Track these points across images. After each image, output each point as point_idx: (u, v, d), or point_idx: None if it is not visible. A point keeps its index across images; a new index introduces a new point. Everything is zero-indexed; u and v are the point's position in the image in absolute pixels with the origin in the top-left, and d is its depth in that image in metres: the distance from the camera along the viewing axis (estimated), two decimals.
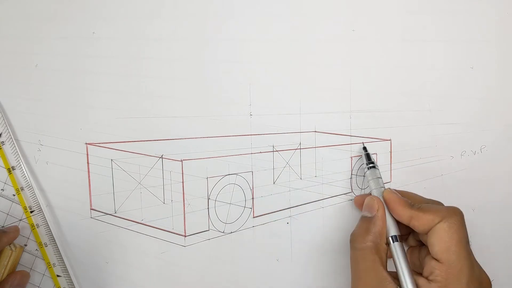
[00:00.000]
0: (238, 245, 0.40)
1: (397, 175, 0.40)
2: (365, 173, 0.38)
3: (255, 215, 0.40)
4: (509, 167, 0.40)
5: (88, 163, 0.38)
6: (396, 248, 0.33)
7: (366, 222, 0.34)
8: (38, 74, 0.37)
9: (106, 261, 0.40)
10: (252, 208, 0.39)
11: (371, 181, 0.37)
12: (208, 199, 0.39)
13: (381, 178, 0.37)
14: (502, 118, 0.40)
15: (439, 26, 0.39)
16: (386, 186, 0.40)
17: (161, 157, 0.38)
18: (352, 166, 0.40)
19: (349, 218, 0.40)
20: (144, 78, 0.38)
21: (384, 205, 0.35)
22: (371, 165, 0.38)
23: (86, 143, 0.38)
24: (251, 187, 0.39)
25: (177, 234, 0.39)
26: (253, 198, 0.39)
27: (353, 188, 0.40)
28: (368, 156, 0.38)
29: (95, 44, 0.37)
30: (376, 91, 0.39)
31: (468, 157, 0.40)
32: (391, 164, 0.40)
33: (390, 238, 0.34)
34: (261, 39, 0.38)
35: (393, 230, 0.34)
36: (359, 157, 0.40)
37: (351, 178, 0.40)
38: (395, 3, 0.38)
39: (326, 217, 0.40)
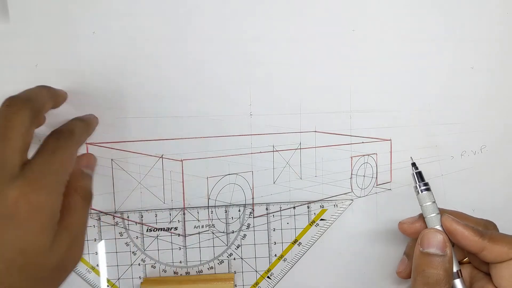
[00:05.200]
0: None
1: (397, 175, 0.40)
2: (417, 196, 0.34)
3: (255, 215, 0.40)
4: (509, 167, 0.40)
5: None
6: (459, 284, 0.32)
7: (440, 262, 0.31)
8: (38, 74, 0.37)
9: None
10: (252, 208, 0.39)
11: (428, 207, 0.33)
12: (208, 199, 0.39)
13: (435, 201, 0.33)
14: (502, 118, 0.40)
15: (439, 26, 0.39)
16: (386, 186, 0.40)
17: (161, 157, 0.38)
18: (352, 166, 0.40)
19: (349, 218, 0.40)
20: (144, 78, 0.38)
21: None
22: (425, 186, 0.33)
23: (86, 143, 0.38)
24: (251, 187, 0.39)
25: (177, 234, 0.39)
26: (253, 198, 0.39)
27: (353, 188, 0.40)
28: (420, 176, 0.34)
29: (95, 44, 0.37)
30: (376, 91, 0.39)
31: (468, 157, 0.40)
32: (391, 164, 0.40)
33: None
34: (261, 39, 0.38)
35: (456, 265, 0.32)
36: (359, 157, 0.40)
37: (351, 178, 0.40)
38: (395, 3, 0.38)
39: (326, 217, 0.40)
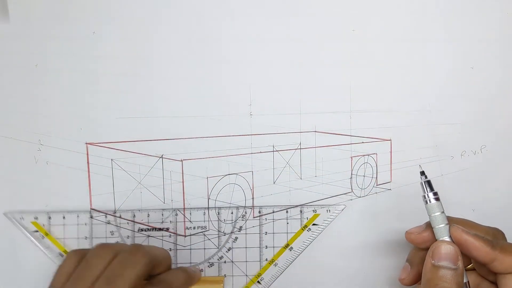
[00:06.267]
0: (238, 245, 0.40)
1: (397, 175, 0.40)
2: (425, 206, 0.32)
3: (254, 215, 0.40)
4: (509, 167, 0.40)
5: (88, 163, 0.38)
6: None
7: (452, 276, 0.30)
8: (38, 74, 0.37)
9: None
10: (252, 208, 0.39)
11: (437, 217, 0.32)
12: (208, 199, 0.39)
13: (444, 211, 0.32)
14: (502, 118, 0.40)
15: (439, 26, 0.39)
16: (386, 186, 0.40)
17: (161, 157, 0.38)
18: (352, 166, 0.40)
19: (350, 218, 0.40)
20: (144, 78, 0.38)
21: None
22: (435, 196, 0.32)
23: (86, 143, 0.38)
24: (251, 187, 0.39)
25: (177, 234, 0.39)
26: (253, 198, 0.39)
27: (353, 188, 0.40)
28: (429, 185, 0.32)
29: (95, 44, 0.37)
30: (376, 91, 0.39)
31: (468, 157, 0.40)
32: (391, 164, 0.40)
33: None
34: (261, 39, 0.38)
35: (465, 276, 0.31)
36: (359, 157, 0.40)
37: (351, 178, 0.40)
38: (395, 3, 0.38)
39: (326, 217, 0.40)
